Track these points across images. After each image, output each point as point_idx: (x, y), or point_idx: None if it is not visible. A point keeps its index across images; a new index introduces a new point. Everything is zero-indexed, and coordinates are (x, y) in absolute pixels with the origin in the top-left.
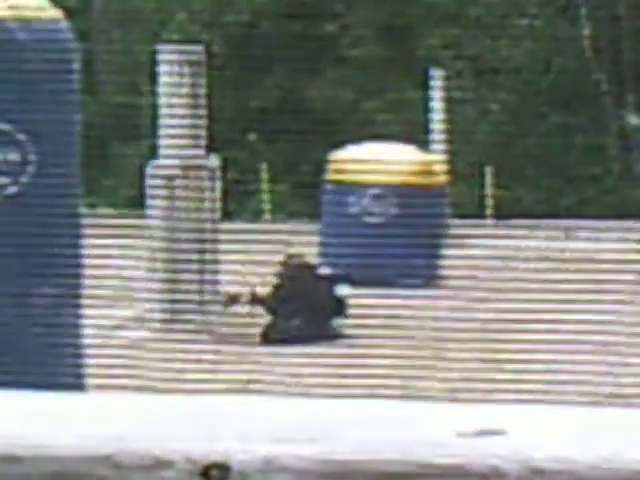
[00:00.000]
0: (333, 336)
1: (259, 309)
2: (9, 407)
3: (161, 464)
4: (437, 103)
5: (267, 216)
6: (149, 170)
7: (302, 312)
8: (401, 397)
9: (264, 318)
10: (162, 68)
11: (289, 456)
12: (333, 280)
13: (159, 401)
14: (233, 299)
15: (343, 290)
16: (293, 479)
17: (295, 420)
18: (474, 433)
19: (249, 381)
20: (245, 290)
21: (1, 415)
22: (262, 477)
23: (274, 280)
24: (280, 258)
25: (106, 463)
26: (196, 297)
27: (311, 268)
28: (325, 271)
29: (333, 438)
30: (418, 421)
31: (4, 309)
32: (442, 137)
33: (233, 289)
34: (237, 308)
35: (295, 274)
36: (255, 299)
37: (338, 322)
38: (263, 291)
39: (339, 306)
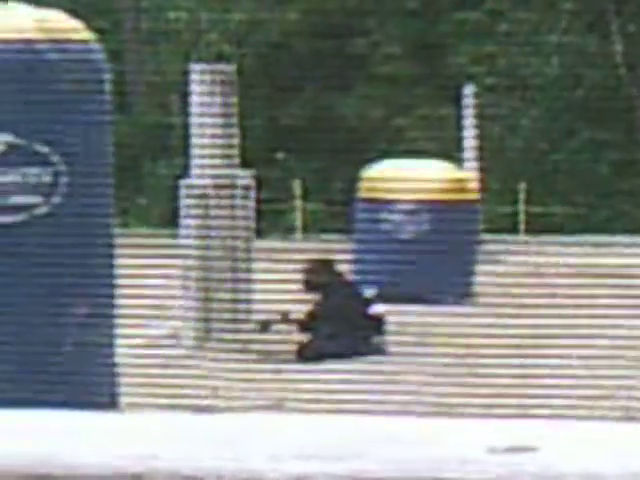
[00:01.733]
0: (369, 353)
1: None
2: (43, 426)
3: None
4: (469, 119)
5: (299, 233)
6: (182, 188)
7: (338, 330)
8: (434, 413)
9: (298, 336)
10: (194, 87)
11: (319, 474)
12: (368, 297)
13: (190, 420)
14: (265, 326)
15: (379, 308)
16: None
17: (325, 438)
18: (505, 449)
19: (283, 399)
20: (276, 314)
21: (35, 434)
22: None
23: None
24: (306, 265)
25: None
26: (229, 315)
27: (346, 284)
28: (360, 289)
29: (363, 456)
30: (449, 438)
31: (38, 328)
32: (474, 153)
33: (264, 315)
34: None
35: (330, 289)
36: (288, 321)
37: (376, 339)
38: (296, 312)
39: (376, 324)
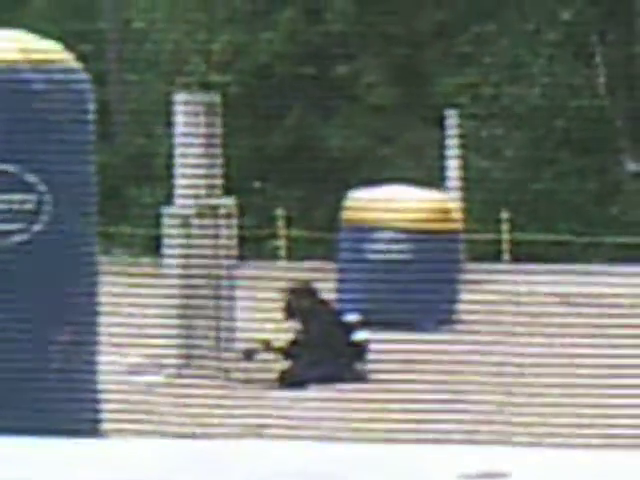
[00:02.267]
0: (351, 380)
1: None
2: (25, 453)
3: None
4: (452, 145)
5: (283, 260)
6: (165, 214)
7: (320, 357)
8: (416, 440)
9: (280, 363)
10: (178, 116)
11: None
12: (351, 324)
13: (172, 446)
14: (249, 354)
15: (362, 335)
16: None
17: (303, 463)
18: (477, 475)
19: (263, 426)
20: (259, 342)
21: (18, 461)
22: None
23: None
24: (287, 287)
25: None
26: (212, 342)
27: (328, 310)
28: (343, 316)
29: None
30: (425, 464)
31: (20, 354)
32: (457, 180)
33: (246, 344)
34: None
35: (311, 315)
36: (270, 349)
37: (358, 366)
38: (278, 340)
39: (359, 350)
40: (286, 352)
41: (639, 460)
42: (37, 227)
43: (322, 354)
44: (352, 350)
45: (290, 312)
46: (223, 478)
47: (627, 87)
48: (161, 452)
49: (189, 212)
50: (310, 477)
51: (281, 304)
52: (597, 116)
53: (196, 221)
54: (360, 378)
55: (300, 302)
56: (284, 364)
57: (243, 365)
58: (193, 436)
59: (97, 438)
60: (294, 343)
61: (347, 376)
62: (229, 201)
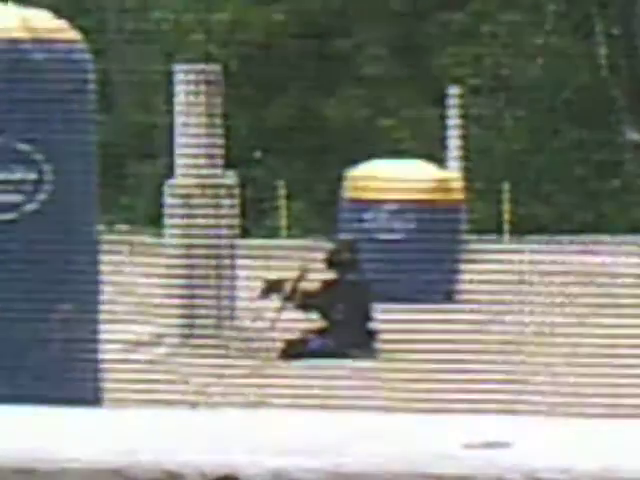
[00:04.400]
0: (355, 357)
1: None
2: (26, 422)
3: (172, 477)
4: (453, 120)
5: (284, 233)
6: (166, 188)
7: (342, 317)
8: (417, 410)
9: (283, 334)
10: (178, 87)
11: (298, 469)
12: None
13: (172, 416)
14: (272, 287)
15: (375, 325)
16: None
17: (305, 433)
18: (480, 445)
19: (266, 395)
20: (287, 278)
21: (18, 429)
22: None
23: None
24: (326, 254)
25: (118, 477)
26: (213, 313)
27: (362, 276)
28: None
29: (342, 451)
30: (426, 434)
31: (22, 325)
32: (459, 154)
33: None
34: (257, 324)
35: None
36: (297, 292)
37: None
38: (307, 285)
39: (369, 337)
40: (311, 299)
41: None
42: (39, 199)
43: (345, 316)
44: (367, 334)
45: (330, 263)
46: (223, 446)
47: (628, 60)
48: (159, 422)
49: (191, 184)
50: (311, 446)
51: (325, 255)
52: (598, 89)
53: (197, 193)
54: (370, 356)
55: (341, 254)
56: (287, 335)
57: (245, 336)
58: (195, 406)
59: (98, 407)
60: (323, 292)
61: (357, 354)
62: (231, 173)
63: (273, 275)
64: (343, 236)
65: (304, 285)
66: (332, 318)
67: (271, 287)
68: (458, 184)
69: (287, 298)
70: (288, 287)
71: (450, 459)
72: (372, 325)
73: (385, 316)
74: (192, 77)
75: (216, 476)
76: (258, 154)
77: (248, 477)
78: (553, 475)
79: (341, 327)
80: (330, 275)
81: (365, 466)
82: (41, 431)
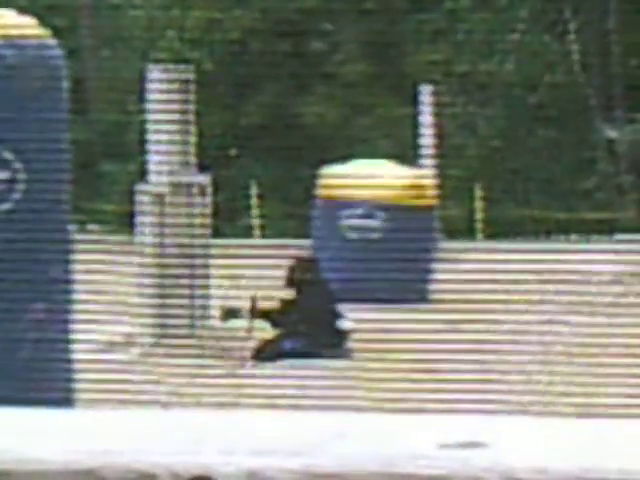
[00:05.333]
0: (328, 357)
1: (254, 324)
2: None
3: (145, 478)
4: (427, 119)
5: (257, 233)
6: (138, 188)
7: (308, 330)
8: (389, 411)
9: (257, 334)
10: (151, 87)
11: (273, 469)
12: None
13: (145, 416)
14: (229, 313)
15: (346, 324)
16: None
17: (280, 434)
18: (456, 445)
19: (239, 396)
20: (244, 304)
21: None
22: None
23: (284, 291)
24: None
25: (91, 477)
26: (187, 313)
27: (325, 287)
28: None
29: (317, 451)
30: (402, 434)
31: None
32: (431, 154)
33: (228, 304)
34: (229, 324)
35: (309, 288)
36: (256, 312)
37: (341, 347)
38: (265, 304)
39: (340, 337)
40: (272, 317)
41: (617, 428)
42: (13, 198)
43: (310, 328)
44: (337, 334)
45: (290, 281)
46: (196, 447)
47: (601, 61)
48: (132, 422)
49: (163, 184)
50: (286, 447)
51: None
52: (571, 90)
53: (170, 193)
54: (343, 356)
55: (301, 273)
56: (260, 335)
57: (218, 335)
58: (168, 406)
59: (70, 408)
60: (283, 310)
61: (329, 354)
62: (203, 177)
63: (248, 272)
64: (303, 251)
65: (262, 305)
66: (299, 327)
67: (227, 313)
68: (431, 184)
69: (250, 318)
70: (245, 311)
71: (425, 459)
72: (342, 325)
73: (359, 316)
74: (164, 76)
75: (189, 476)
76: (232, 152)
77: (223, 477)
78: (529, 475)
79: (311, 328)
80: (289, 294)
81: (340, 466)
82: (13, 432)
